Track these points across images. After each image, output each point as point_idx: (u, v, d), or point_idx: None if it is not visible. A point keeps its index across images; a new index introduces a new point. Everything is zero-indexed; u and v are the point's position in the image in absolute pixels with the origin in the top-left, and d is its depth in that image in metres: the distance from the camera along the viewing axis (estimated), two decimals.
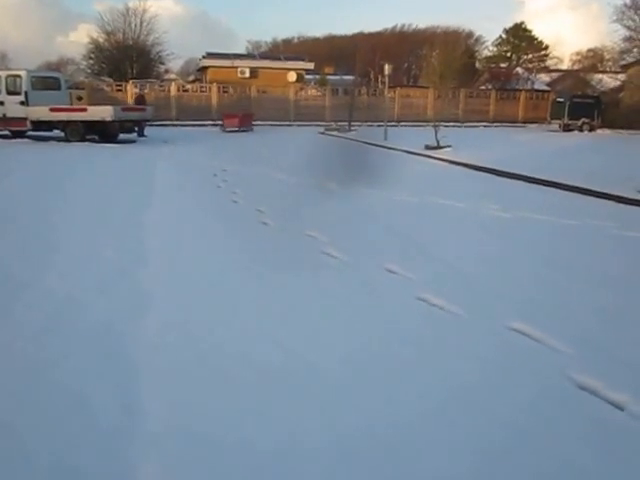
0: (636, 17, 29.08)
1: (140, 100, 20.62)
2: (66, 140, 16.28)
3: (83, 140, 16.14)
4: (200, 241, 5.71)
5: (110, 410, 2.63)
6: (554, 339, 3.39)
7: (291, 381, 2.91)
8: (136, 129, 17.81)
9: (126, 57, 35.93)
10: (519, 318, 3.68)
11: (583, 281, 4.62)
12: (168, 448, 2.37)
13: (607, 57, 37.08)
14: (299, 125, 27.11)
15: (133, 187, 9.06)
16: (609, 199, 8.56)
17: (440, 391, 2.84)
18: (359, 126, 24.94)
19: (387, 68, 20.20)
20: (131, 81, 27.85)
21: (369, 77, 41.01)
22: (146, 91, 26.03)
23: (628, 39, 29.90)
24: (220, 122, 23.79)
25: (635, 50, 29.97)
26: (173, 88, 27.43)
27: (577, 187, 9.28)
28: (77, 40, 68.46)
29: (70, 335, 3.43)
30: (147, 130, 18.55)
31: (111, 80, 29.69)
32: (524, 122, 32.20)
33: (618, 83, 33.40)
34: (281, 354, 3.20)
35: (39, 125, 16.66)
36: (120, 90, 26.80)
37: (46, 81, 18.03)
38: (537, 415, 2.65)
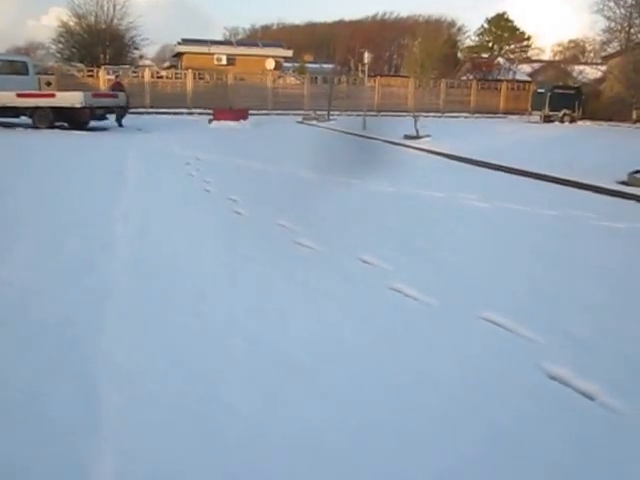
0: (616, 8, 29.04)
1: (117, 87, 19.51)
2: (34, 127, 15.76)
3: (52, 127, 15.67)
4: (168, 231, 5.54)
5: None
6: (527, 329, 3.34)
7: (258, 372, 2.80)
8: (115, 118, 17.35)
9: (98, 42, 34.92)
10: (492, 308, 3.62)
11: (559, 271, 4.59)
12: None
13: (589, 48, 37.18)
14: (277, 114, 26.64)
15: (101, 176, 8.78)
16: (588, 190, 8.57)
17: (408, 381, 2.77)
18: (338, 115, 24.61)
19: (366, 56, 19.93)
20: (103, 67, 27.01)
21: (349, 66, 40.49)
22: (119, 77, 25.20)
23: (608, 30, 29.89)
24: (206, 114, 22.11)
25: (615, 41, 29.97)
26: (147, 74, 26.74)
27: (557, 178, 9.28)
28: (49, 24, 66.28)
29: (24, 329, 3.24)
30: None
31: (82, 65, 28.78)
32: (505, 113, 32.14)
33: (599, 74, 33.41)
34: (248, 345, 3.08)
35: (5, 111, 16.06)
36: (92, 76, 26.04)
37: (13, 65, 17.47)
38: (505, 405, 2.59)
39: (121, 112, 17.63)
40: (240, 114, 20.48)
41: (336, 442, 2.29)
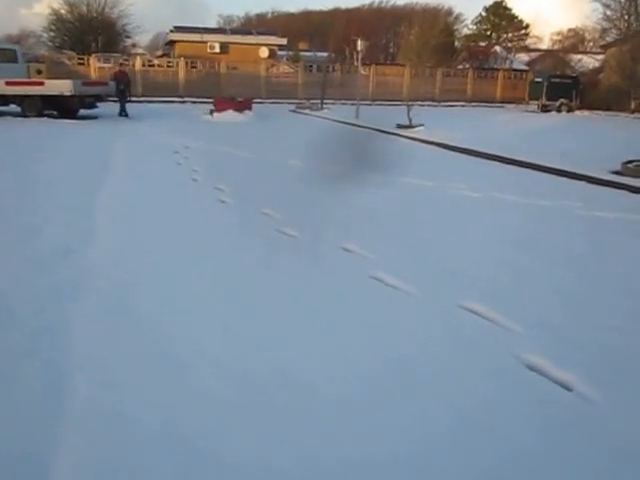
0: None
1: (120, 76, 17.86)
2: (23, 115, 15.53)
3: (41, 115, 15.44)
4: (150, 220, 5.46)
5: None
6: (507, 319, 3.30)
7: (233, 361, 2.75)
8: (120, 109, 17.05)
9: (90, 29, 34.44)
10: (474, 298, 3.58)
11: (545, 261, 4.54)
12: None
13: (588, 37, 36.74)
14: (271, 102, 26.27)
15: (88, 164, 8.66)
16: (581, 180, 8.46)
17: (384, 371, 2.73)
18: (332, 104, 24.30)
19: (360, 44, 19.61)
20: (94, 55, 26.61)
21: (344, 54, 40.04)
22: (110, 65, 24.86)
23: (607, 18, 29.50)
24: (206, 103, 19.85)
25: (614, 30, 29.59)
26: (138, 62, 26.34)
27: (550, 168, 9.16)
28: (41, 12, 65.57)
29: None
30: (110, 107, 17.45)
31: (73, 53, 28.33)
32: (502, 102, 31.78)
33: (598, 63, 33.03)
34: (224, 332, 3.04)
35: None
36: (82, 64, 25.65)
37: (2, 53, 17.09)
38: (482, 396, 2.55)
39: (123, 102, 17.23)
40: (244, 104, 18.19)
41: (298, 430, 2.25)
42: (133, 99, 19.13)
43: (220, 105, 17.68)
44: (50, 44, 35.50)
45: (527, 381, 2.69)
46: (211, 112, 17.54)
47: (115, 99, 17.32)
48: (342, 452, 2.14)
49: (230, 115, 17.03)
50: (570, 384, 2.63)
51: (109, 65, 25.26)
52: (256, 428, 2.26)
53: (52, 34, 35.56)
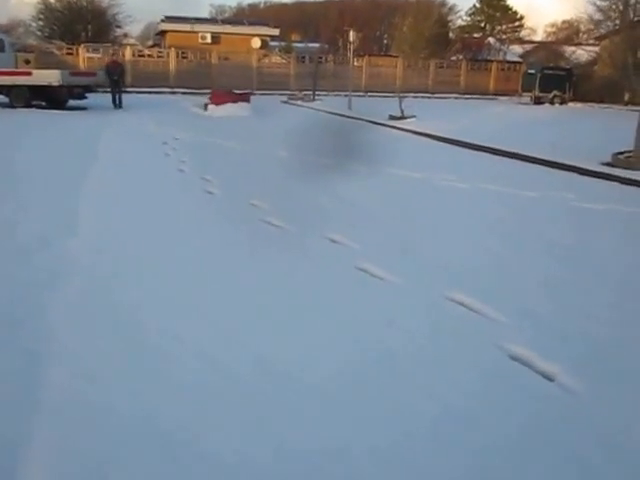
0: None
1: (113, 66, 17.33)
2: (10, 106, 15.30)
3: (29, 106, 15.22)
4: (136, 211, 5.39)
5: None
6: (492, 309, 3.27)
7: (215, 351, 2.70)
8: (113, 100, 16.76)
9: (79, 19, 33.83)
10: (459, 288, 3.54)
11: (532, 252, 4.51)
12: None
13: (583, 29, 36.49)
14: (262, 94, 26.00)
15: (74, 154, 8.54)
16: (572, 171, 8.42)
17: (367, 361, 2.70)
18: (325, 95, 24.11)
19: (352, 34, 19.47)
20: (83, 45, 26.25)
21: (337, 45, 39.75)
22: (99, 56, 24.55)
23: (601, 10, 29.34)
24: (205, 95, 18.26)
25: (608, 22, 29.43)
26: (128, 53, 26.01)
27: (541, 159, 9.14)
28: (31, 1, 64.85)
29: None
30: (100, 97, 17.19)
31: (62, 43, 27.94)
32: (495, 94, 31.64)
33: (592, 55, 32.90)
34: (207, 325, 2.97)
35: None
36: (71, 54, 25.29)
37: None
38: (464, 386, 2.52)
39: (118, 93, 16.92)
40: (241, 97, 16.84)
41: (275, 419, 2.21)
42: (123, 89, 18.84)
43: (218, 98, 16.32)
44: (39, 33, 34.92)
45: (510, 371, 2.66)
46: (205, 106, 16.23)
47: (107, 90, 17.03)
48: (321, 443, 2.11)
49: (229, 109, 15.71)
50: (553, 375, 2.61)
51: (98, 55, 24.95)
52: (236, 418, 2.23)
53: (41, 23, 34.90)
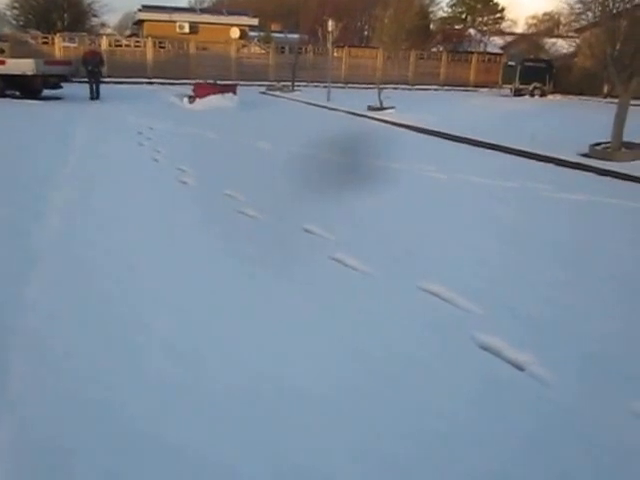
0: None
1: (91, 56, 16.66)
2: None
3: (2, 96, 14.90)
4: (105, 201, 5.27)
5: None
6: (465, 299, 3.25)
7: (184, 344, 2.64)
8: (90, 91, 16.27)
9: (55, 7, 33.06)
10: (432, 278, 3.52)
11: (507, 242, 4.49)
12: None
13: (563, 21, 36.59)
14: (241, 85, 25.66)
15: (47, 144, 8.35)
16: (550, 162, 8.43)
17: (337, 352, 2.66)
18: (305, 86, 23.87)
19: (331, 24, 19.30)
20: (58, 34, 25.63)
21: (317, 36, 39.38)
22: (75, 45, 23.98)
23: (581, 1, 29.41)
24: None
25: (589, 13, 29.52)
26: (104, 42, 25.41)
27: (519, 150, 9.13)
28: None
29: None
30: (76, 87, 16.70)
31: (38, 33, 27.26)
32: (476, 86, 31.66)
33: (573, 48, 33.03)
34: (177, 317, 2.91)
35: None
36: (47, 43, 24.69)
37: None
38: (431, 375, 2.50)
39: (95, 83, 16.39)
40: (227, 89, 16.15)
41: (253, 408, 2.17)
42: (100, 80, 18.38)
43: (201, 90, 15.60)
44: (14, 22, 34.06)
45: (481, 361, 2.65)
46: (188, 98, 15.37)
47: (84, 80, 16.61)
48: (286, 436, 2.07)
49: (213, 101, 15.05)
50: (523, 364, 2.59)
51: (74, 45, 24.34)
52: (200, 411, 2.19)
53: (16, 12, 34.05)
